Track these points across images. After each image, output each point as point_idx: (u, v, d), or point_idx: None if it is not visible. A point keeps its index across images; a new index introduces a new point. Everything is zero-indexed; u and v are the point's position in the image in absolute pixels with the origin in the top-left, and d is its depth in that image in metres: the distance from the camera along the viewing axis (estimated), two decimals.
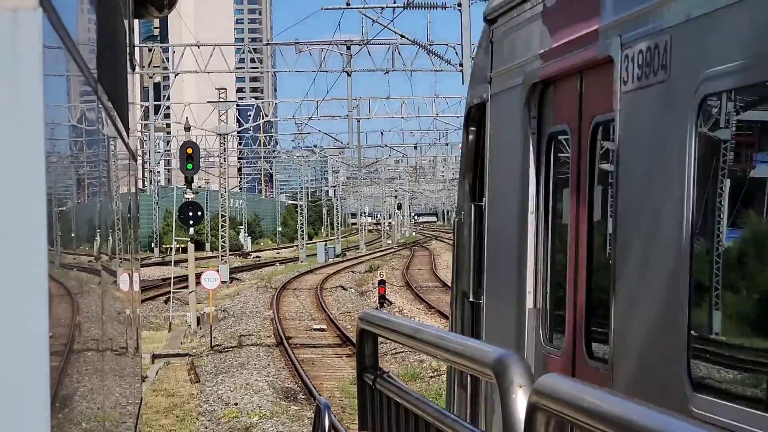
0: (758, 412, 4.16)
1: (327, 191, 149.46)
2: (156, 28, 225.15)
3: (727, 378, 4.62)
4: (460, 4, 32.61)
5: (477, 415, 7.66)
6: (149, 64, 70.59)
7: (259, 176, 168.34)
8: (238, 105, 78.14)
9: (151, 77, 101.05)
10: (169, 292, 40.52)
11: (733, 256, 4.69)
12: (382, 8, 39.91)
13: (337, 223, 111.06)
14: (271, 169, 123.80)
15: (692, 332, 4.59)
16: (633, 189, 5.27)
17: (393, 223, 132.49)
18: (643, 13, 5.15)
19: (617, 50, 5.36)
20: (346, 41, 47.89)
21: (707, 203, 4.67)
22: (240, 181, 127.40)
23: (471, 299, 7.75)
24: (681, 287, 4.68)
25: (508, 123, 7.03)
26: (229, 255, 63.88)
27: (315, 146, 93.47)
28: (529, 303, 6.64)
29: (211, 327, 32.73)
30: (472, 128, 8.02)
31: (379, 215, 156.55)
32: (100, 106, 4.10)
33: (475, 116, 7.95)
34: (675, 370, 4.68)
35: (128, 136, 6.83)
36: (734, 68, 4.38)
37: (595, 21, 5.69)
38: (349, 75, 48.24)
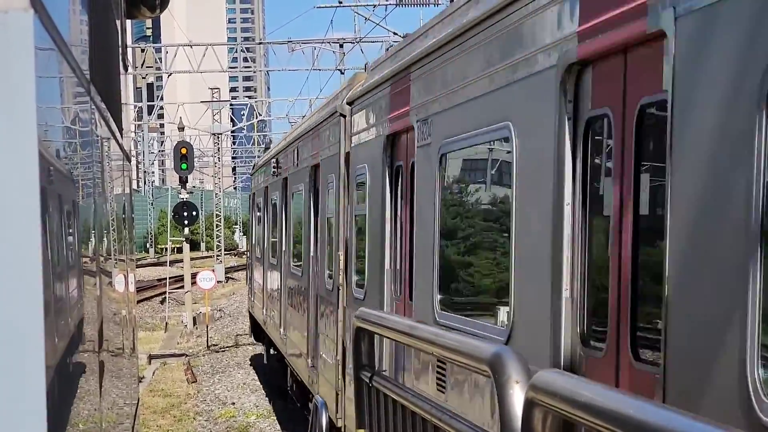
0: None
1: None
2: (148, 28, 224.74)
3: None
4: (452, 1, 32.60)
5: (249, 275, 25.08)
6: (142, 65, 70.51)
7: None
8: (231, 104, 78.03)
9: (144, 77, 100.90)
10: (164, 293, 40.49)
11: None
12: (375, 6, 39.92)
13: None
14: None
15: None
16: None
17: None
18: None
19: None
20: (338, 39, 47.84)
21: None
22: (234, 181, 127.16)
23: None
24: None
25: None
26: (225, 254, 63.82)
27: None
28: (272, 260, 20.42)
29: (207, 327, 32.70)
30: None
31: None
32: (93, 107, 4.09)
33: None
34: None
35: (122, 136, 6.82)
36: None
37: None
38: (342, 73, 48.11)
